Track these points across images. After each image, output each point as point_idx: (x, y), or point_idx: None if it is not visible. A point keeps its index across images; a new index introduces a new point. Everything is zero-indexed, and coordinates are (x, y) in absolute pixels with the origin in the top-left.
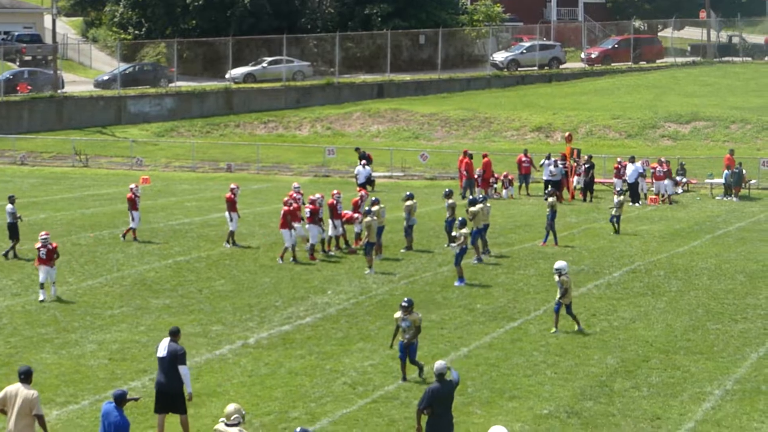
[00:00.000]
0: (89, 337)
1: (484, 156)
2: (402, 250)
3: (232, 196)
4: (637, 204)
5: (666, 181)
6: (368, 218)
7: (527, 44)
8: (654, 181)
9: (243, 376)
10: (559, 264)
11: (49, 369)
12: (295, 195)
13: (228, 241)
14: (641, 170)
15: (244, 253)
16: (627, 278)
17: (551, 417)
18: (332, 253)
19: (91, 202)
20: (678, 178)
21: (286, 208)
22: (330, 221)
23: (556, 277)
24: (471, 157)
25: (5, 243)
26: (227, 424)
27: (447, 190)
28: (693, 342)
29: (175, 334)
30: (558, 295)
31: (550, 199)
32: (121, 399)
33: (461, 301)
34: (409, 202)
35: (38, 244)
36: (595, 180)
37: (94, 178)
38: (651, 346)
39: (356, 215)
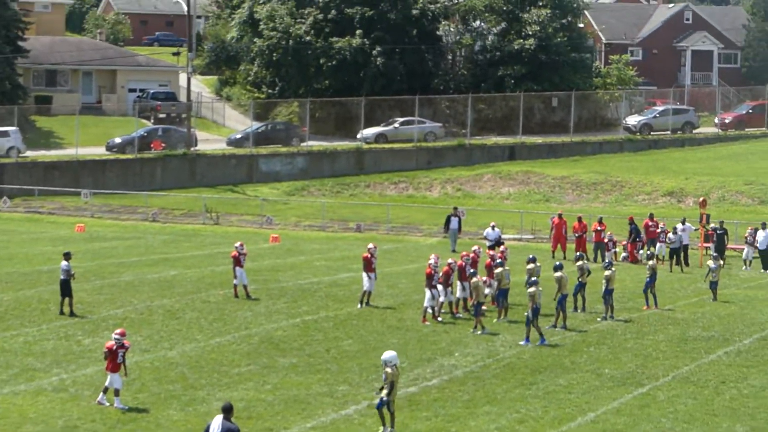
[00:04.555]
0: (216, 394)
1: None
2: (526, 313)
3: (369, 255)
4: None
5: None
6: (475, 279)
7: (660, 108)
8: None
9: None
10: (387, 355)
11: (176, 426)
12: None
13: (361, 302)
14: None
15: (371, 313)
16: (758, 345)
17: None
18: (460, 315)
19: (221, 259)
20: None
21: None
22: (458, 283)
23: (383, 368)
24: (601, 221)
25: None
26: None
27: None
28: None
29: (228, 411)
30: (385, 390)
31: (650, 262)
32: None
33: (589, 365)
34: (530, 265)
35: (111, 343)
36: (727, 246)
37: (224, 236)
38: None
39: (485, 279)
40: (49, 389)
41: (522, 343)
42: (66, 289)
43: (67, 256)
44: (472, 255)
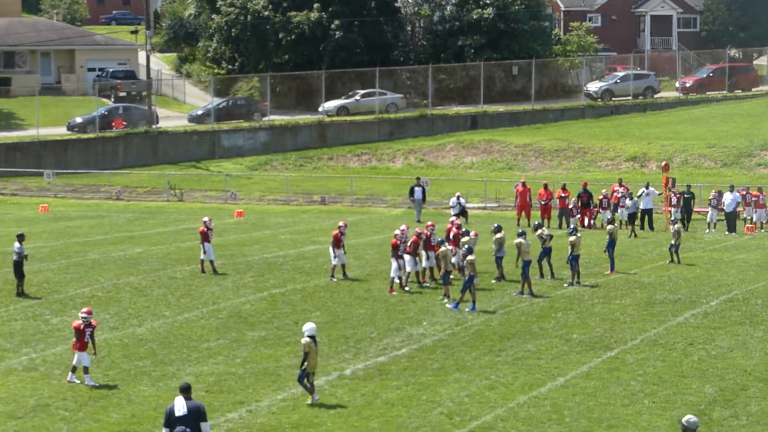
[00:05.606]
0: (186, 369)
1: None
2: (493, 281)
3: (339, 234)
4: (733, 233)
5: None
6: (443, 248)
7: (621, 74)
8: (756, 209)
9: (340, 407)
10: (305, 326)
11: (148, 401)
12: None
13: (333, 276)
14: (740, 199)
15: (339, 285)
16: (724, 307)
17: None
18: (426, 285)
19: (187, 235)
20: None
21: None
22: (423, 253)
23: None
24: (564, 187)
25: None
26: None
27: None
28: None
29: (186, 391)
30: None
31: (609, 227)
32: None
33: (558, 331)
34: (498, 234)
35: (78, 322)
36: (693, 209)
37: (189, 212)
38: (749, 375)
39: (451, 247)
40: (19, 369)
41: (450, 306)
42: (18, 270)
43: (20, 238)
44: (448, 226)
